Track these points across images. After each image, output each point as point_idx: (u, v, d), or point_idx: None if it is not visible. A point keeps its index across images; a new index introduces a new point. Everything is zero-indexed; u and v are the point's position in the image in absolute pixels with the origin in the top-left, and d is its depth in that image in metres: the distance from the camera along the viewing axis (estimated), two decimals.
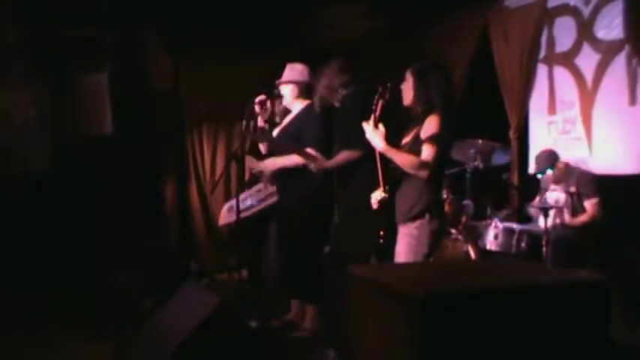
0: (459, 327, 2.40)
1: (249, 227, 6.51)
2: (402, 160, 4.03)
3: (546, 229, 5.12)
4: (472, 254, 5.61)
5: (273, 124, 5.59)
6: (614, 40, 5.70)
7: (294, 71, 5.34)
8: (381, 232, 4.13)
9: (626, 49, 5.59)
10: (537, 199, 5.77)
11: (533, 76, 6.45)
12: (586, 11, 5.96)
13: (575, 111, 6.07)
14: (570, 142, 6.02)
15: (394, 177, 4.16)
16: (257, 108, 5.30)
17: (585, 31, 5.97)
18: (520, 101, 6.46)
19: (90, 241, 6.88)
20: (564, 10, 6.17)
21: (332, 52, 6.98)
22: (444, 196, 5.63)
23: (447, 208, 5.81)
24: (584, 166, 5.81)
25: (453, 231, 5.86)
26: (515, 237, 5.39)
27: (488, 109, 6.57)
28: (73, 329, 5.36)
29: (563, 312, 2.56)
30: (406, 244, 4.02)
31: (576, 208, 5.42)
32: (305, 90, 5.33)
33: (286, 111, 5.50)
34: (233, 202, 5.88)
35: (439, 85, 4.13)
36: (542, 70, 6.42)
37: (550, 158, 5.65)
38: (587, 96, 5.95)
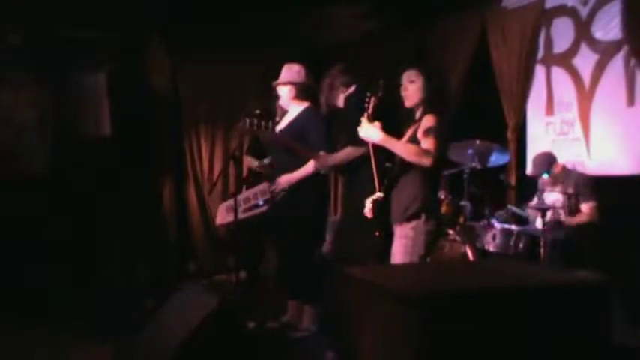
0: (457, 328, 2.40)
1: (247, 228, 6.53)
2: (404, 148, 4.01)
3: (544, 230, 5.13)
4: (470, 255, 5.61)
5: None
6: (612, 41, 5.71)
7: (291, 72, 5.35)
8: (377, 233, 4.15)
9: (624, 49, 5.60)
10: (535, 200, 5.76)
11: (531, 77, 6.44)
12: (584, 12, 5.96)
13: (573, 112, 6.07)
14: (568, 143, 6.03)
15: (390, 177, 4.17)
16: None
17: (583, 32, 5.97)
18: (518, 102, 6.46)
19: (90, 241, 6.89)
20: (562, 10, 6.17)
21: (331, 52, 7.02)
22: (442, 196, 5.64)
23: (444, 208, 5.82)
24: (581, 167, 5.82)
25: (451, 232, 5.86)
26: (513, 238, 5.39)
27: (486, 110, 6.58)
28: (73, 329, 5.37)
29: (563, 312, 2.56)
30: (402, 244, 4.02)
31: (572, 210, 5.43)
32: (302, 91, 5.33)
33: (283, 111, 5.50)
34: (231, 201, 5.88)
35: (442, 87, 4.16)
36: (539, 71, 6.42)
37: (546, 162, 5.65)
38: (585, 97, 5.95)
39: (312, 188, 5.24)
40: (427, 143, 3.96)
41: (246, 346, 3.90)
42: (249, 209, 6.50)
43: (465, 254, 5.62)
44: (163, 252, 7.71)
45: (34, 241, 6.72)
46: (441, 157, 4.07)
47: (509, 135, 6.47)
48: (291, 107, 5.35)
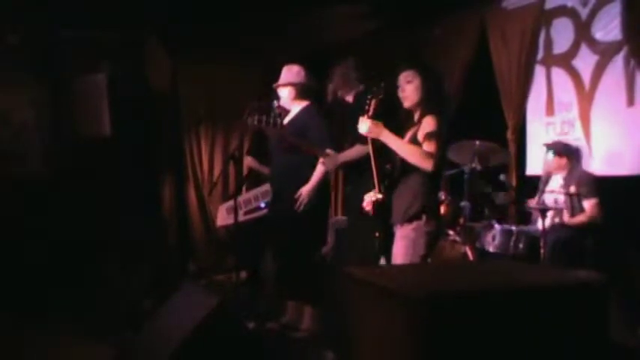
0: (458, 328, 2.40)
1: (247, 228, 6.52)
2: (406, 149, 4.01)
3: (544, 230, 5.13)
4: (470, 255, 5.61)
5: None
6: (612, 42, 5.71)
7: (291, 73, 5.35)
8: (377, 234, 4.14)
9: (624, 50, 5.60)
10: (535, 199, 5.76)
11: (531, 78, 6.44)
12: (584, 12, 5.97)
13: (573, 112, 6.07)
14: (567, 142, 6.02)
15: (390, 178, 4.16)
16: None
17: (583, 33, 5.97)
18: (518, 102, 6.46)
19: (90, 241, 6.89)
20: (562, 11, 6.18)
21: (331, 52, 7.01)
22: (442, 197, 5.64)
23: (444, 209, 5.82)
24: (584, 166, 5.82)
25: (451, 232, 5.87)
26: (513, 238, 5.39)
27: (486, 111, 6.58)
28: (73, 329, 5.37)
29: (563, 312, 2.57)
30: (403, 245, 4.02)
31: (575, 209, 5.41)
32: (302, 91, 5.34)
33: (284, 112, 5.49)
34: (231, 203, 5.86)
35: (438, 87, 4.17)
36: (539, 72, 6.42)
37: (563, 148, 5.66)
38: (585, 97, 5.95)
39: (316, 187, 5.23)
40: (429, 146, 3.96)
41: (246, 347, 3.89)
42: (250, 212, 6.49)
43: (465, 255, 5.62)
44: (163, 252, 7.71)
45: (33, 241, 6.72)
46: (441, 159, 4.07)
47: (510, 135, 6.47)
48: (293, 108, 5.35)
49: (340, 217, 7.02)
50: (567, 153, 5.68)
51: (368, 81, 5.13)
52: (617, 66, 5.67)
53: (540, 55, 6.40)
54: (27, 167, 7.31)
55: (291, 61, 5.48)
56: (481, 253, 5.55)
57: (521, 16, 6.43)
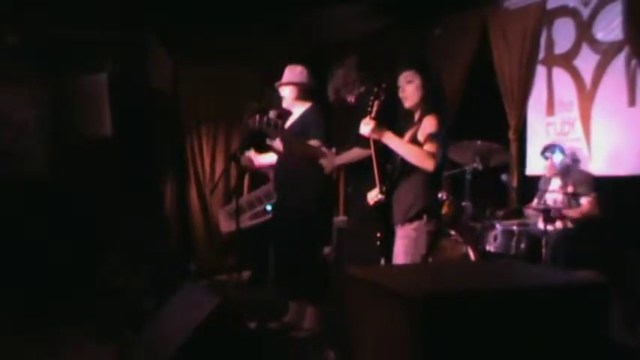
0: (459, 328, 2.40)
1: (250, 228, 6.52)
2: (408, 149, 4.01)
3: (545, 231, 5.13)
4: (471, 255, 5.61)
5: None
6: (614, 42, 5.71)
7: (293, 73, 5.35)
8: (378, 234, 4.14)
9: (625, 50, 5.60)
10: (536, 200, 5.77)
11: (532, 78, 6.45)
12: (585, 12, 5.97)
13: (574, 112, 6.07)
14: (569, 143, 6.02)
15: (391, 179, 4.17)
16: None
17: (584, 33, 5.97)
18: (519, 102, 6.46)
19: (89, 241, 6.89)
20: (563, 11, 6.18)
21: (332, 52, 7.02)
22: (444, 197, 5.64)
23: (446, 209, 5.82)
24: (582, 166, 5.82)
25: (452, 232, 5.86)
26: (515, 238, 5.39)
27: (487, 110, 6.58)
28: (73, 329, 5.37)
29: (563, 313, 2.57)
30: (404, 245, 4.02)
31: (573, 206, 5.43)
32: (305, 91, 5.34)
33: (287, 112, 5.49)
34: (233, 207, 5.85)
35: (437, 87, 4.17)
36: (541, 72, 6.42)
37: (555, 148, 5.67)
38: (586, 97, 5.95)
39: (317, 188, 5.23)
40: (430, 146, 3.96)
41: (247, 347, 3.89)
42: (256, 216, 6.46)
43: (467, 255, 5.62)
44: (164, 252, 7.70)
45: (34, 242, 6.72)
46: (442, 159, 4.07)
47: (511, 135, 6.47)
48: (295, 108, 5.35)
49: (341, 218, 7.02)
50: (563, 153, 5.67)
51: (369, 81, 5.13)
52: (618, 66, 5.67)
53: (542, 55, 6.40)
54: (28, 167, 7.31)
55: (291, 61, 5.47)
56: (482, 253, 5.55)
57: (522, 16, 6.43)
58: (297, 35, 7.85)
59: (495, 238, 5.47)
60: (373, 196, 4.18)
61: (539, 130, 6.43)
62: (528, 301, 2.55)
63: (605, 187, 5.45)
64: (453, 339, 2.40)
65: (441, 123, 4.01)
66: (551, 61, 6.33)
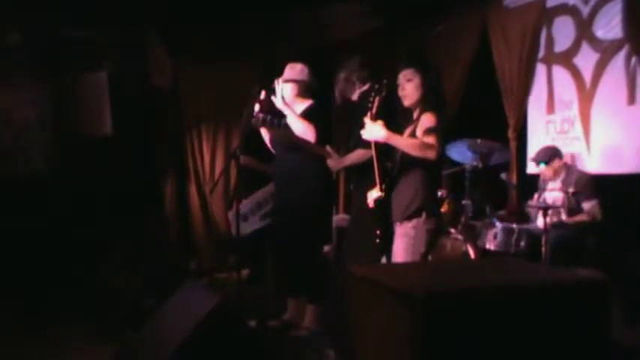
0: (459, 326, 2.41)
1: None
2: (408, 143, 4.03)
3: (545, 229, 5.12)
4: (471, 254, 5.61)
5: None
6: (613, 40, 5.70)
7: (294, 70, 5.34)
8: (378, 232, 4.15)
9: (625, 48, 5.59)
10: (535, 198, 5.77)
11: (532, 76, 6.45)
12: (585, 11, 5.96)
13: (574, 110, 6.07)
14: (569, 141, 6.03)
15: (390, 177, 4.17)
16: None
17: (584, 31, 5.97)
18: (519, 101, 6.46)
19: (90, 241, 6.88)
20: (563, 9, 6.17)
21: (332, 51, 7.00)
22: (444, 195, 5.65)
23: (445, 207, 5.84)
24: (582, 166, 5.82)
25: (452, 230, 5.87)
26: (515, 236, 5.38)
27: (487, 109, 6.58)
28: (73, 329, 5.37)
29: (564, 311, 2.57)
30: (403, 243, 4.04)
31: (573, 209, 5.42)
32: (305, 89, 5.33)
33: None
34: (242, 209, 5.86)
35: (436, 85, 4.19)
36: (541, 70, 6.42)
37: (548, 154, 5.65)
38: (586, 95, 5.95)
39: (318, 186, 5.23)
40: (429, 139, 3.97)
41: (247, 345, 3.89)
42: (267, 215, 6.45)
43: (467, 253, 5.62)
44: (164, 250, 7.70)
45: (34, 241, 6.72)
46: (442, 152, 4.09)
47: (510, 133, 6.47)
48: (295, 106, 5.34)
49: (342, 216, 7.02)
50: (554, 155, 5.66)
51: (372, 80, 5.13)
52: (618, 64, 5.67)
53: (541, 53, 6.40)
54: (28, 166, 7.32)
55: (293, 59, 5.47)
56: (482, 252, 5.55)
57: (522, 15, 6.43)
58: (298, 34, 7.85)
59: (495, 236, 5.46)
60: (373, 195, 4.19)
61: (539, 129, 6.43)
62: (528, 300, 2.55)
63: (605, 185, 5.45)
64: (453, 337, 2.40)
65: (439, 120, 4.02)
66: (551, 59, 6.33)
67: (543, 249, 5.08)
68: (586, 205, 5.36)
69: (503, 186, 6.24)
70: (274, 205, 5.77)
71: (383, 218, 4.15)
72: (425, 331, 2.38)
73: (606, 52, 5.76)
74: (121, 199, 7.35)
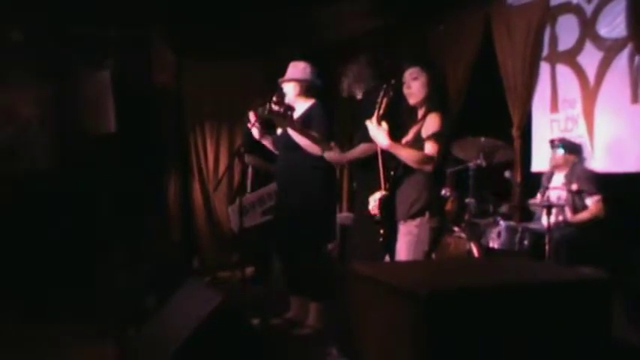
0: (462, 325, 2.40)
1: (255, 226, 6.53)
2: (407, 154, 4.03)
3: (549, 227, 5.11)
4: (475, 252, 5.60)
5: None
6: (617, 38, 5.69)
7: (297, 69, 5.35)
8: (381, 231, 4.15)
9: (629, 47, 5.58)
10: (539, 196, 5.76)
11: (536, 74, 6.43)
12: (589, 9, 5.95)
13: (578, 109, 6.06)
14: (572, 139, 6.01)
15: (394, 175, 4.17)
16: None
17: (588, 29, 5.95)
18: (523, 99, 6.45)
19: (91, 239, 6.90)
20: (567, 8, 6.16)
21: (333, 50, 6.99)
22: (447, 194, 5.64)
23: (449, 206, 5.82)
24: (585, 164, 5.81)
25: (456, 229, 5.86)
26: (518, 235, 5.38)
27: (491, 107, 6.57)
28: (73, 329, 5.36)
29: (566, 310, 2.57)
30: (407, 242, 4.03)
31: (577, 206, 5.42)
32: (307, 88, 5.33)
33: (290, 108, 5.47)
34: (245, 204, 5.85)
35: (441, 84, 4.19)
36: (544, 69, 6.41)
37: (572, 145, 5.70)
38: (590, 94, 5.93)
39: (321, 184, 5.23)
40: (432, 146, 3.98)
41: (249, 343, 3.89)
42: (268, 211, 6.45)
43: (470, 251, 5.61)
44: (168, 249, 7.71)
45: (36, 239, 6.72)
46: (443, 157, 4.09)
47: (514, 132, 6.46)
48: (297, 104, 5.34)
49: (345, 214, 7.02)
50: (575, 150, 5.69)
51: (380, 78, 5.12)
52: (621, 63, 5.65)
53: (545, 51, 6.38)
54: (32, 165, 7.33)
55: (296, 58, 5.47)
56: (486, 250, 5.55)
57: (526, 13, 6.41)
58: (301, 34, 7.85)
59: (499, 235, 5.46)
60: (377, 194, 4.19)
61: (543, 127, 6.42)
62: (531, 298, 2.55)
63: (608, 184, 5.44)
64: (456, 335, 2.40)
65: (444, 121, 4.02)
66: (554, 57, 6.31)
67: (547, 247, 5.07)
68: (589, 202, 5.36)
69: (508, 184, 6.23)
70: (276, 203, 5.77)
71: (387, 217, 4.15)
72: (428, 329, 2.37)
73: (610, 50, 5.75)
74: (124, 197, 7.36)
